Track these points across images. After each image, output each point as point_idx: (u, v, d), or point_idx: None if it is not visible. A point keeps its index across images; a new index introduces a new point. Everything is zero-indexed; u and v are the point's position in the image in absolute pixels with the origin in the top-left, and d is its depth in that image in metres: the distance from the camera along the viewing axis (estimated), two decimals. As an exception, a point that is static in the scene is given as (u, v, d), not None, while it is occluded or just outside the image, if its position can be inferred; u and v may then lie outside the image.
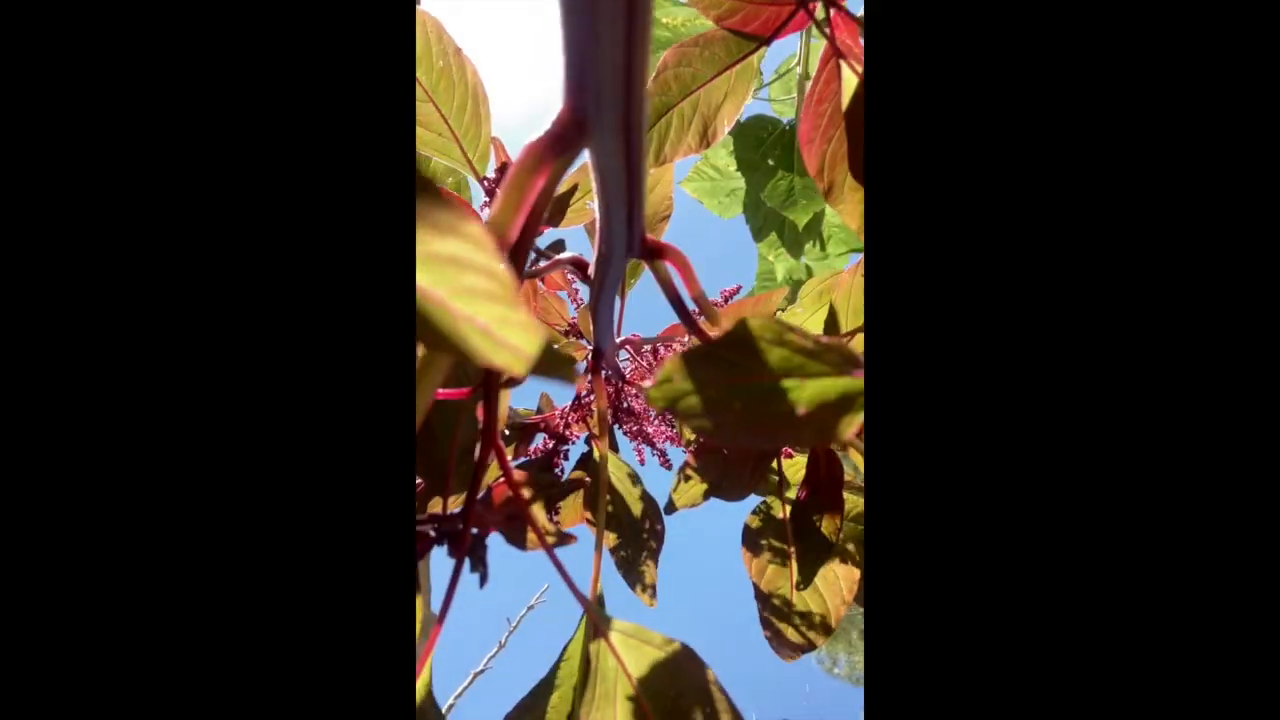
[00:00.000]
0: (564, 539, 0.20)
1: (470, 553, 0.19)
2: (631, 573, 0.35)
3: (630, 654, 0.19)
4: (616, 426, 0.43)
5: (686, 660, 0.19)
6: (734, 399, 0.11)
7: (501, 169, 0.34)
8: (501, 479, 0.20)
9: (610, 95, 0.12)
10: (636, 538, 0.34)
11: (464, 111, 0.34)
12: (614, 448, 0.45)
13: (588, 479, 0.29)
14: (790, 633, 0.31)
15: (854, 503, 0.32)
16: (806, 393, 0.12)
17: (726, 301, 0.48)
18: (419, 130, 0.34)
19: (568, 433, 0.34)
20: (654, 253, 0.20)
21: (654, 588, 0.35)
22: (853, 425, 0.12)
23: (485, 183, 0.34)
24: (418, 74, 0.32)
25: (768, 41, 0.25)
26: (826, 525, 0.27)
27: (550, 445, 0.35)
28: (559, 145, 0.13)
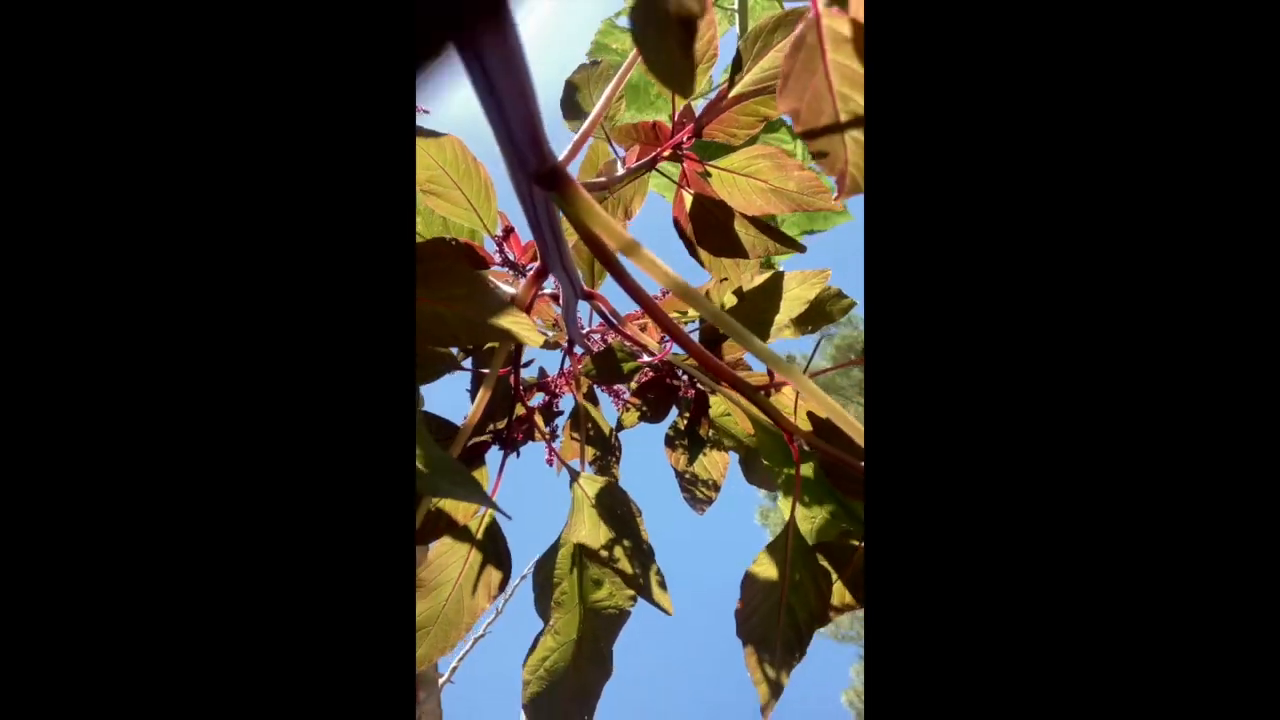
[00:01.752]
0: (553, 435, 0.42)
1: (510, 446, 0.41)
2: (604, 473, 0.57)
3: (589, 486, 0.41)
4: (596, 387, 0.65)
5: (615, 487, 0.41)
6: (607, 369, 0.33)
7: (505, 230, 0.55)
8: (523, 411, 0.42)
9: (556, 260, 0.33)
10: (606, 450, 0.56)
11: (479, 195, 0.55)
12: (594, 401, 0.66)
13: (560, 409, 0.51)
14: (696, 493, 0.54)
15: (727, 423, 0.54)
16: (628, 367, 0.33)
17: (665, 295, 0.69)
18: (452, 206, 0.55)
19: (558, 390, 0.55)
20: (588, 296, 0.41)
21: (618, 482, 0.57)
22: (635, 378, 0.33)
23: (495, 238, 0.55)
24: (451, 173, 0.53)
25: (652, 166, 0.46)
26: (702, 430, 0.49)
27: (547, 400, 0.56)
28: (537, 279, 0.34)
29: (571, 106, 0.40)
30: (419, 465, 0.26)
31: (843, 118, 0.17)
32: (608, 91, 0.36)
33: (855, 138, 0.17)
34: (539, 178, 0.20)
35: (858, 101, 0.16)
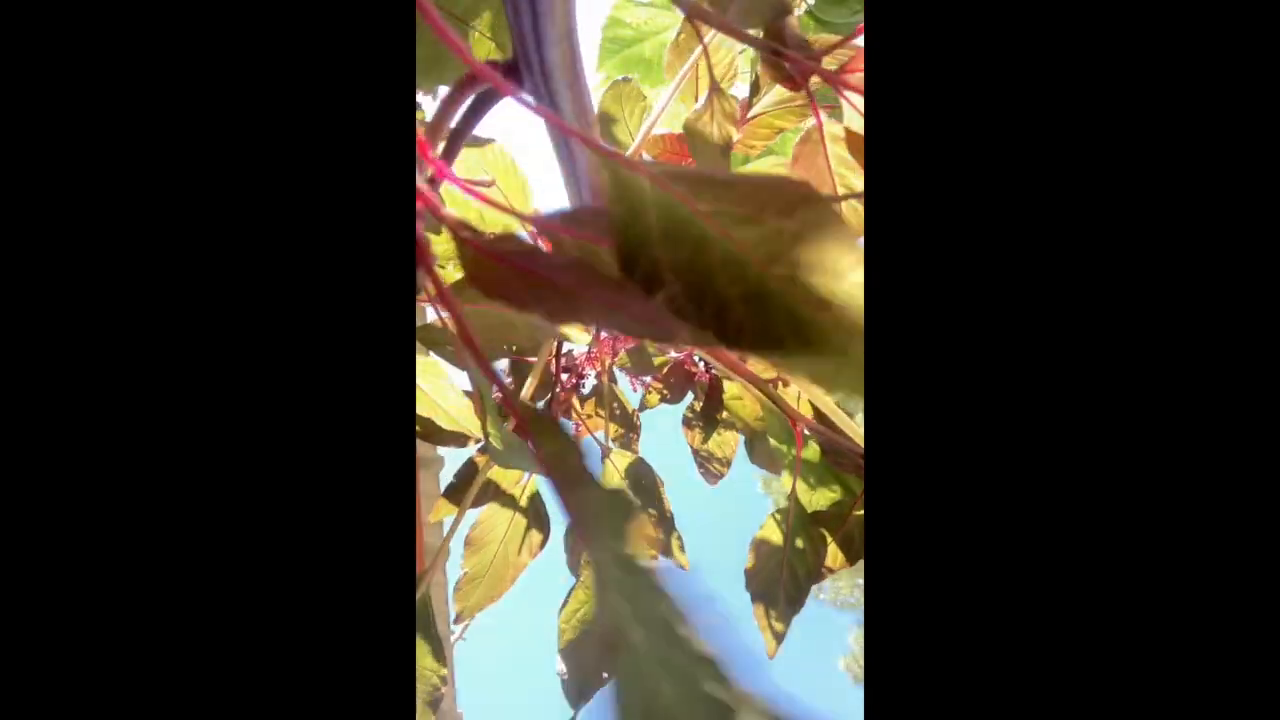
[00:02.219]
0: (584, 416, 0.48)
1: (550, 424, 0.47)
2: (627, 448, 0.63)
3: (620, 461, 0.47)
4: (616, 368, 0.71)
5: (642, 461, 0.47)
6: (640, 361, 0.38)
7: (540, 226, 0.60)
8: (562, 394, 0.48)
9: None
10: (628, 426, 0.62)
11: (518, 193, 0.60)
12: (614, 380, 0.72)
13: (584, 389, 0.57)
14: (709, 468, 0.60)
15: (737, 406, 0.59)
16: (658, 361, 0.38)
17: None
18: (493, 205, 0.60)
19: (583, 372, 0.61)
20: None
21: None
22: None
23: (530, 231, 0.61)
24: (498, 177, 0.58)
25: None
26: (716, 412, 0.55)
27: (573, 380, 0.62)
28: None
29: (609, 139, 0.45)
30: (493, 442, 0.31)
31: (839, 191, 0.22)
32: (644, 129, 0.40)
33: (853, 206, 0.22)
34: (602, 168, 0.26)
35: (850, 179, 0.21)
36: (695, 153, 0.21)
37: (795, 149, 0.23)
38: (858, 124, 0.20)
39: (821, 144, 0.22)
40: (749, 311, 0.10)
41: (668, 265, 0.11)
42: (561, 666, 0.53)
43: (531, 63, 0.16)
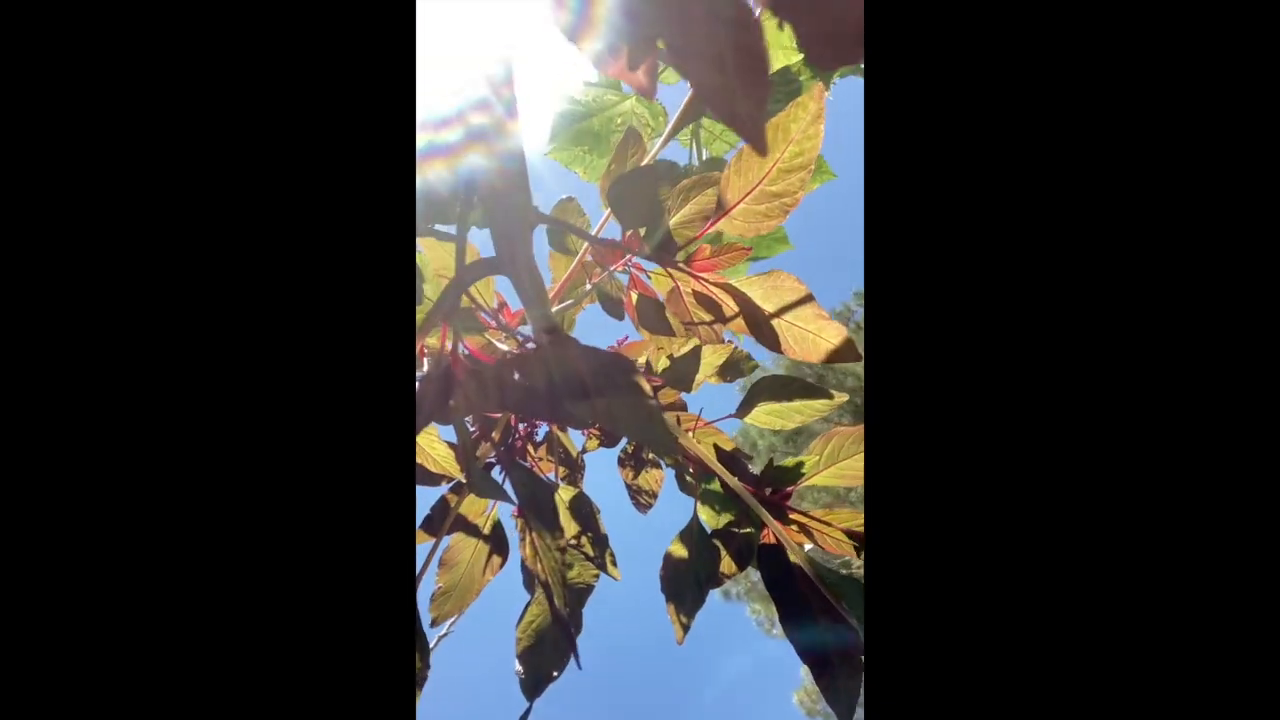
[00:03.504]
0: (537, 459, 0.60)
1: (510, 466, 0.59)
2: (572, 484, 0.76)
3: (565, 495, 0.59)
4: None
5: (582, 494, 0.59)
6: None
7: (499, 304, 0.73)
8: (519, 442, 0.60)
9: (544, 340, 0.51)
10: (573, 469, 0.75)
11: (483, 286, 0.73)
12: (564, 429, 0.85)
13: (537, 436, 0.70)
14: (639, 500, 0.72)
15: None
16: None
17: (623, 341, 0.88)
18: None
19: (536, 423, 0.74)
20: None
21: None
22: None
23: (490, 310, 0.73)
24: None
25: (611, 274, 0.65)
26: (645, 454, 0.68)
27: (528, 429, 0.75)
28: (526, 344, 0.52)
29: (560, 245, 0.59)
30: (464, 479, 0.42)
31: (695, 318, 0.36)
32: (581, 253, 0.54)
33: (706, 328, 0.36)
34: (546, 332, 0.39)
35: (699, 313, 0.35)
36: (601, 296, 0.35)
37: (666, 295, 0.37)
38: (698, 286, 0.35)
39: (681, 296, 0.36)
40: (605, 408, 0.23)
41: (568, 390, 0.24)
42: (519, 667, 0.64)
43: (507, 265, 0.29)
